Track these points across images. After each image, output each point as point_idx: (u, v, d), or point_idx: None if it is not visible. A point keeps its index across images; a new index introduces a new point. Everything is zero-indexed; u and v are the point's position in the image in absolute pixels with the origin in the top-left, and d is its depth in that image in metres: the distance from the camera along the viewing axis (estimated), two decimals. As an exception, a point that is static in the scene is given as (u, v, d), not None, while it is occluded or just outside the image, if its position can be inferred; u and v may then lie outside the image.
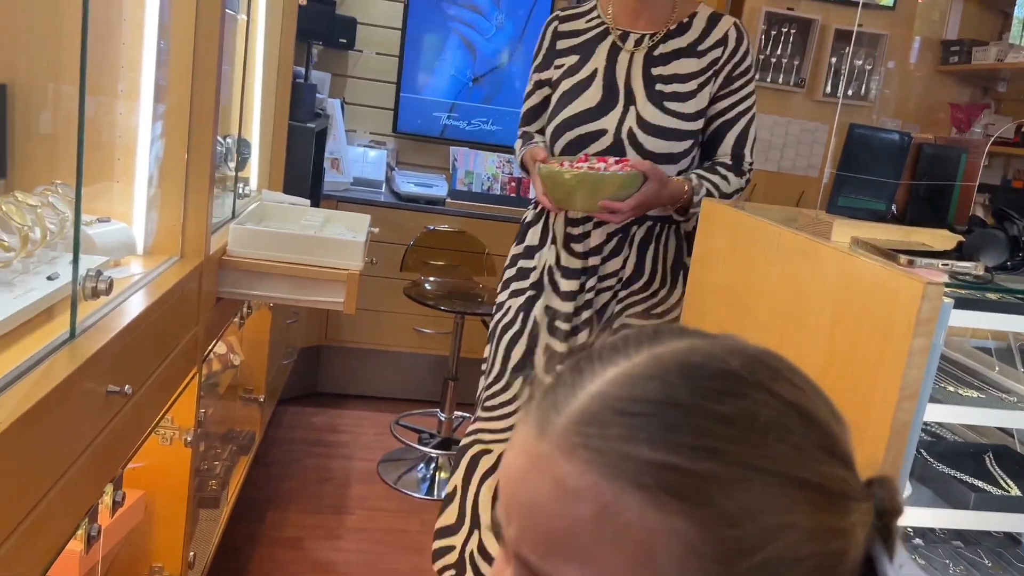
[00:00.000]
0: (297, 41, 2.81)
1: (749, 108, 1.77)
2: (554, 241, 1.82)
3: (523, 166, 1.89)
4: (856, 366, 1.25)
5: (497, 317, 1.89)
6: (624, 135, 1.71)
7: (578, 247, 1.78)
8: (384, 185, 3.68)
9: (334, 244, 1.85)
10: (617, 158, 1.69)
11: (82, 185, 1.10)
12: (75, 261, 1.11)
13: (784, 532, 0.42)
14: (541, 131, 1.90)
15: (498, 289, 1.94)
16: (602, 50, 1.75)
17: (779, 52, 3.44)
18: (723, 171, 1.75)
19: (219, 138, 2.33)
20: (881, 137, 1.43)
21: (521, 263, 1.88)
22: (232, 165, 2.25)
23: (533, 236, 1.87)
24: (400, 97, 3.78)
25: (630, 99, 1.71)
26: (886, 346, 1.12)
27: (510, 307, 1.86)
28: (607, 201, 1.60)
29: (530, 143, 1.89)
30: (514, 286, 1.88)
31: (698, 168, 1.77)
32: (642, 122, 1.70)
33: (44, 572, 0.98)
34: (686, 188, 1.69)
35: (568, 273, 1.79)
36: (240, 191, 2.29)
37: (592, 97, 1.73)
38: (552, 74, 1.82)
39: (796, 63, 3.44)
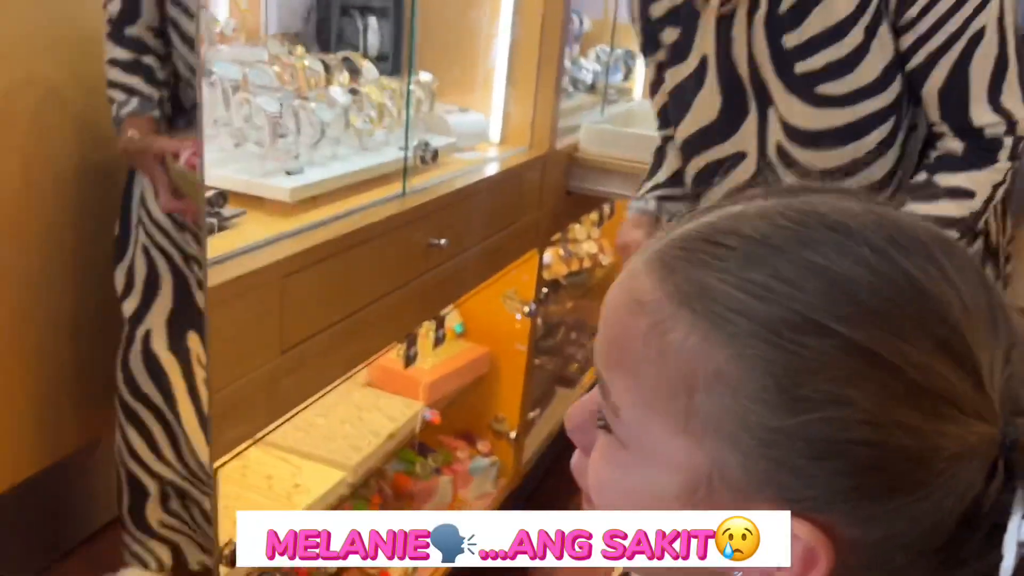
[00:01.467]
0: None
1: (969, 20, 0.96)
2: None
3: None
4: None
5: None
6: (773, 154, 1.10)
7: None
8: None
9: (674, 145, 1.91)
10: None
11: (413, 73, 1.35)
12: (406, 134, 1.38)
13: (836, 404, 0.37)
14: None
15: None
16: (706, 24, 1.09)
17: None
18: (940, 179, 1.00)
19: (604, 48, 2.52)
20: None
21: None
22: (607, 77, 2.42)
23: None
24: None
25: (764, 98, 1.08)
26: None
27: None
28: None
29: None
30: None
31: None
32: (792, 130, 1.07)
33: (351, 367, 1.28)
34: None
35: None
36: (615, 99, 2.45)
37: (710, 102, 1.12)
38: (664, 54, 1.19)
39: None
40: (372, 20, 1.76)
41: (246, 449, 1.08)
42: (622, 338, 0.43)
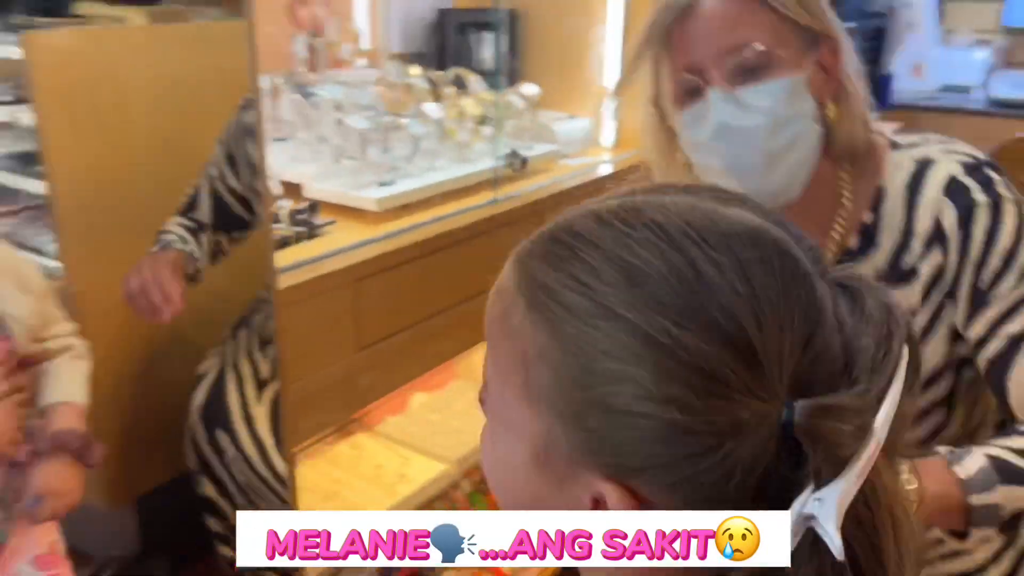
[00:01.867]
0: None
1: None
2: None
3: None
4: None
5: None
6: None
7: None
8: (979, 90, 3.22)
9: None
10: None
11: (500, 87, 1.41)
12: (495, 143, 1.43)
13: (621, 380, 0.43)
14: None
15: None
16: None
17: None
18: None
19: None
20: None
21: None
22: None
23: None
24: (1016, -17, 3.20)
25: None
26: None
27: None
28: None
29: None
30: None
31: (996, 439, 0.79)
32: None
33: (435, 365, 1.36)
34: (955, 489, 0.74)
35: None
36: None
37: None
38: None
39: None
40: (486, 36, 1.84)
41: (324, 437, 1.18)
42: (488, 320, 0.50)
